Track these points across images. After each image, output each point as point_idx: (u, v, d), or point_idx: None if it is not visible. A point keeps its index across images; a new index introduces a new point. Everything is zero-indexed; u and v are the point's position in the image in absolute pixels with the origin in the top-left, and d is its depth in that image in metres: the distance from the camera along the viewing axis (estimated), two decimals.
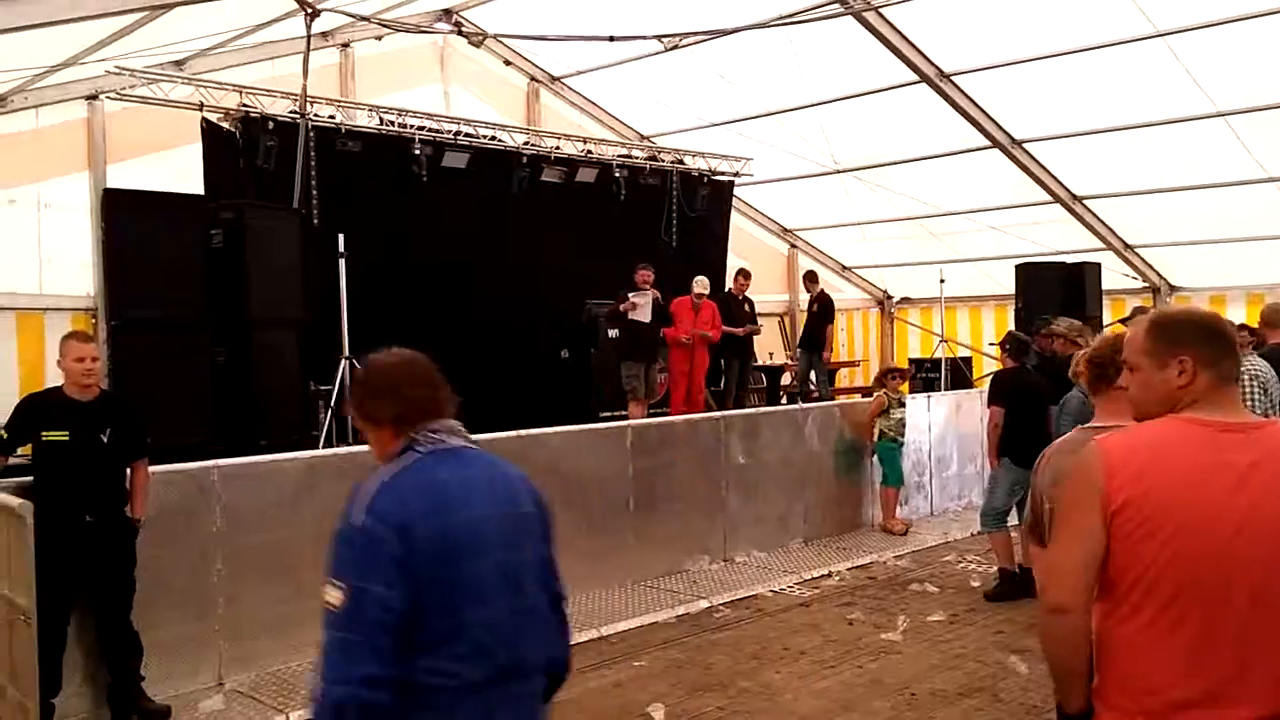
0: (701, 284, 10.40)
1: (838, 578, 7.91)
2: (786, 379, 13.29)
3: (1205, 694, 2.01)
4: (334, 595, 2.07)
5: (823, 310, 12.10)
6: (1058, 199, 11.71)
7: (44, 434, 4.88)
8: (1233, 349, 2.18)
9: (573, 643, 6.33)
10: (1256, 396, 5.16)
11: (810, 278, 12.64)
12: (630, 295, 9.75)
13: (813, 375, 12.17)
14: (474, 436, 7.53)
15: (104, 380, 7.40)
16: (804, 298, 13.12)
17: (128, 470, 5.14)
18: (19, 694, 4.61)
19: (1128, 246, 12.35)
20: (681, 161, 12.57)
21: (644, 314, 9.79)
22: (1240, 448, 2.07)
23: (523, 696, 2.28)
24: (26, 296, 8.91)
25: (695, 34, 9.65)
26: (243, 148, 8.85)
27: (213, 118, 8.82)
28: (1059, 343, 7.77)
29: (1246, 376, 5.17)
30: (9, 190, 8.91)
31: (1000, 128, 10.86)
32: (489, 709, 2.16)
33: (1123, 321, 8.23)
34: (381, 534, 2.09)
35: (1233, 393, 2.16)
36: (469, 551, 2.17)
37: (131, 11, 6.95)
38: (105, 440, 4.97)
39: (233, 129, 8.90)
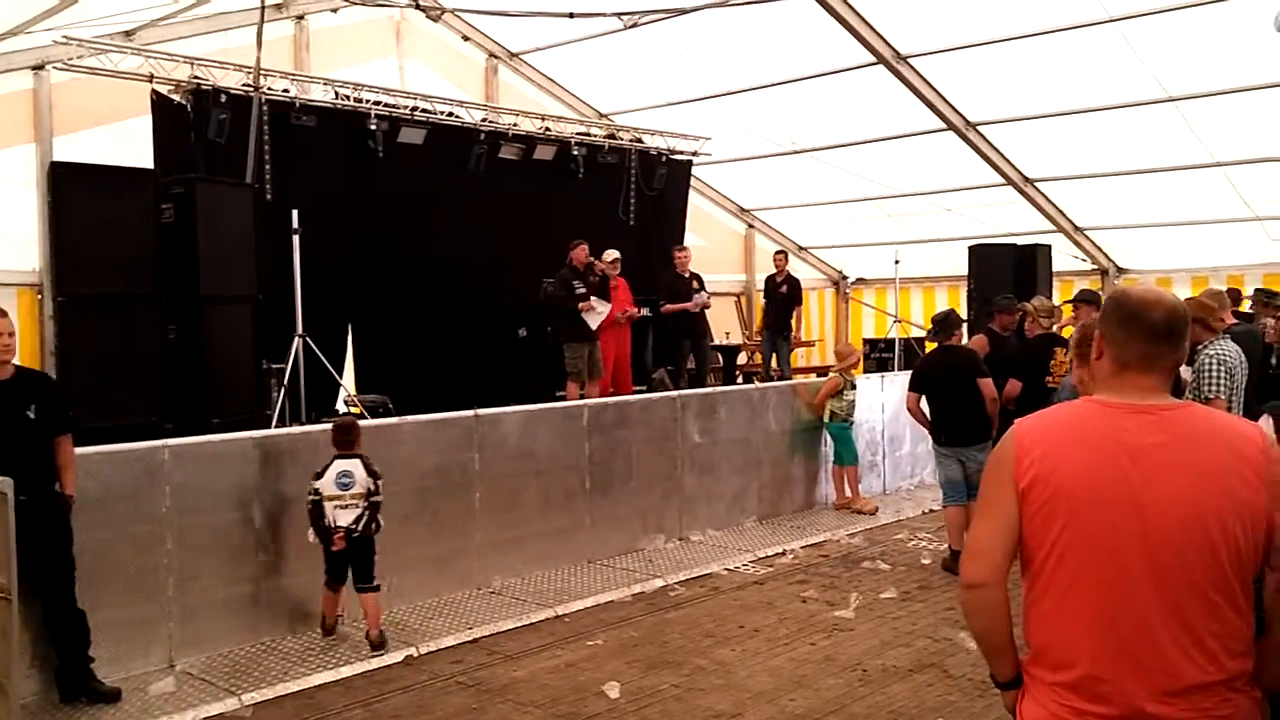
0: (611, 257, 10.15)
1: (792, 556, 8.01)
2: (743, 359, 13.37)
3: (1111, 670, 2.07)
4: None
5: (792, 292, 12.11)
6: (1010, 181, 11.87)
7: None
8: (1151, 332, 2.14)
9: (528, 622, 6.39)
10: (1220, 380, 5.20)
11: (782, 257, 12.52)
12: (593, 299, 9.62)
13: (775, 359, 12.13)
14: (431, 416, 7.53)
15: (51, 357, 7.28)
16: (760, 278, 13.10)
17: (53, 447, 5.02)
18: None
19: (1077, 229, 12.56)
20: (640, 140, 12.54)
21: (594, 321, 9.63)
22: (1146, 429, 2.11)
23: None
24: None
25: (655, 12, 9.62)
26: (194, 121, 8.69)
27: (163, 90, 8.64)
28: (1028, 321, 7.91)
29: (1212, 360, 5.25)
30: None
31: (955, 110, 10.97)
32: None
33: (1068, 302, 8.38)
34: None
35: (1148, 376, 2.16)
36: None
37: None
38: (32, 416, 4.86)
39: (183, 101, 8.73)
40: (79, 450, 5.15)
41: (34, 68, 8.94)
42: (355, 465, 5.83)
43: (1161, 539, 2.06)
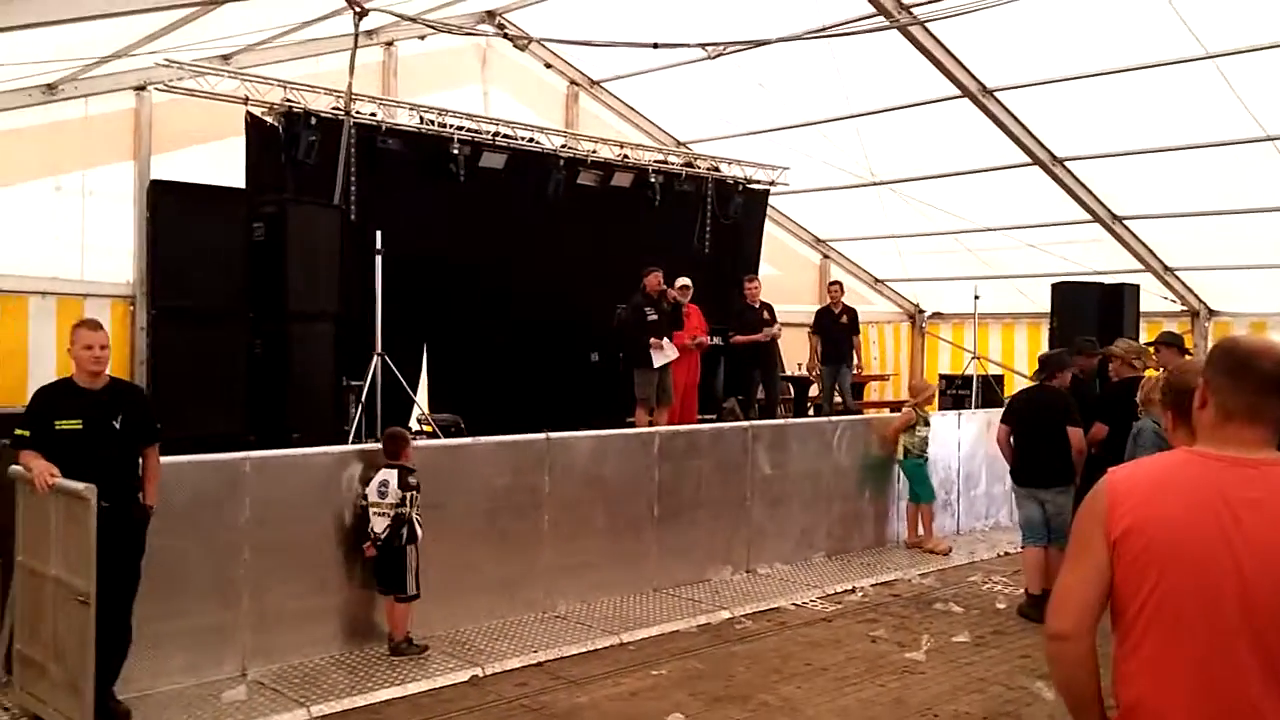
0: (681, 283, 10.09)
1: (861, 594, 7.86)
2: (815, 390, 13.20)
3: None
4: None
5: (852, 321, 11.94)
6: (1097, 218, 11.59)
7: (57, 423, 4.85)
8: (1260, 383, 2.07)
9: (592, 648, 6.39)
10: None
11: (838, 287, 12.29)
12: (665, 342, 9.59)
13: (836, 390, 11.89)
14: (503, 437, 7.55)
15: (141, 368, 7.53)
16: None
17: (139, 457, 5.13)
18: (67, 673, 4.67)
19: (1167, 269, 12.20)
20: (717, 169, 12.55)
21: (659, 360, 9.56)
22: (1246, 484, 2.03)
23: None
24: (68, 282, 9.04)
25: (739, 44, 9.64)
26: (284, 142, 8.94)
27: (256, 111, 8.92)
28: (1115, 363, 7.64)
29: None
30: (55, 177, 9.06)
31: (1042, 145, 10.77)
32: None
33: (1150, 344, 8.12)
34: None
35: (1254, 428, 2.09)
36: None
37: (182, 6, 7.05)
38: (118, 427, 4.97)
39: (275, 123, 8.99)
40: (164, 459, 5.28)
41: (136, 88, 9.34)
42: (393, 475, 5.93)
43: (1261, 600, 1.98)
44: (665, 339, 9.65)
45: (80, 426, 4.89)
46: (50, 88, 8.80)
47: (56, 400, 4.97)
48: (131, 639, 5.06)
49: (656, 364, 9.59)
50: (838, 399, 11.82)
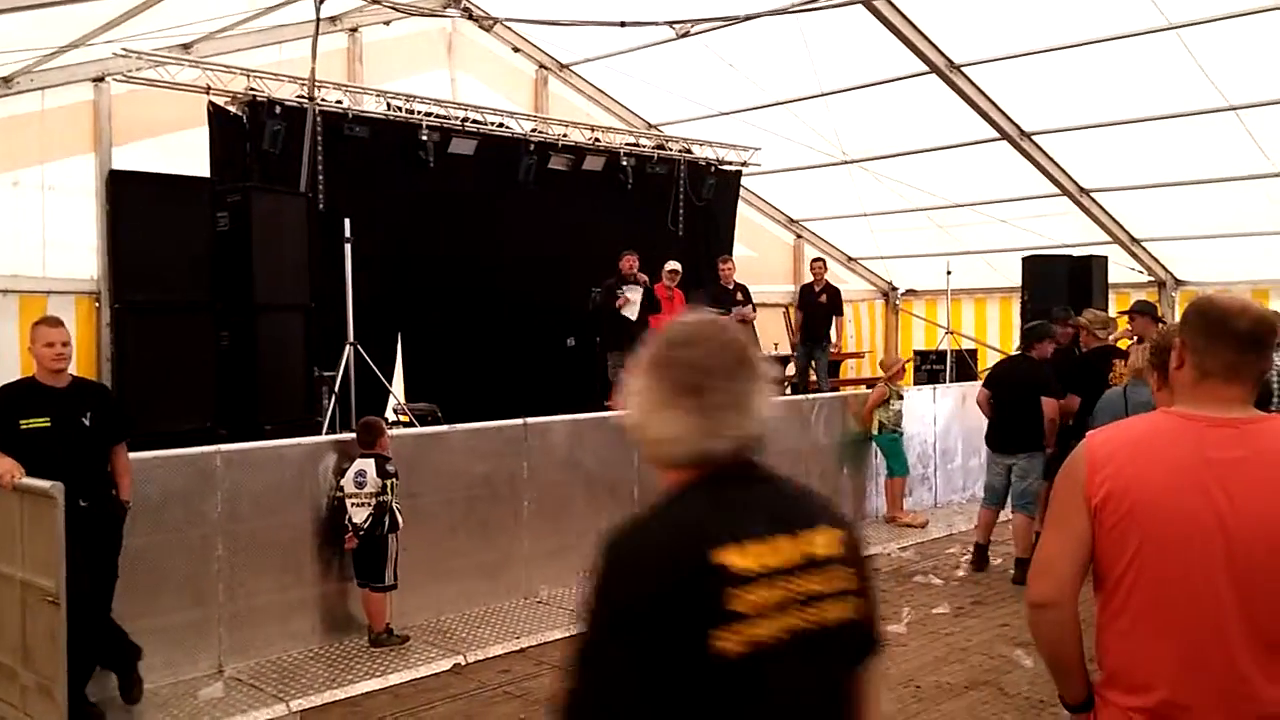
0: (670, 268, 10.18)
1: None
2: (791, 369, 13.22)
3: (1193, 696, 1.98)
4: None
5: (832, 301, 11.94)
6: (1065, 191, 11.65)
7: (22, 422, 4.74)
8: (1234, 340, 2.07)
9: (576, 632, 6.37)
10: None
11: (821, 264, 12.31)
12: (623, 289, 9.68)
13: (813, 369, 11.91)
14: (480, 424, 7.45)
15: (107, 364, 7.40)
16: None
17: (108, 455, 5.05)
18: (36, 675, 4.59)
19: (1134, 240, 12.29)
20: (689, 151, 12.51)
21: (633, 311, 9.69)
22: (1227, 444, 2.02)
23: None
24: (30, 279, 8.85)
25: (707, 20, 9.58)
26: (249, 131, 8.81)
27: (219, 101, 8.78)
28: (1083, 334, 7.72)
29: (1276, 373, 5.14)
30: (13, 172, 8.86)
31: (1009, 119, 10.79)
32: None
33: (1124, 313, 8.19)
34: None
35: (1232, 387, 2.08)
36: None
37: None
38: (88, 424, 4.90)
39: (239, 113, 8.86)
40: (134, 455, 5.20)
41: (94, 80, 9.13)
42: (369, 464, 5.88)
43: (1247, 562, 1.97)
44: (625, 287, 9.76)
45: (49, 424, 4.80)
46: (5, 81, 8.60)
47: (20, 399, 4.86)
48: (113, 639, 4.97)
49: (631, 316, 9.68)
50: (813, 377, 11.84)
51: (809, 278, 12.49)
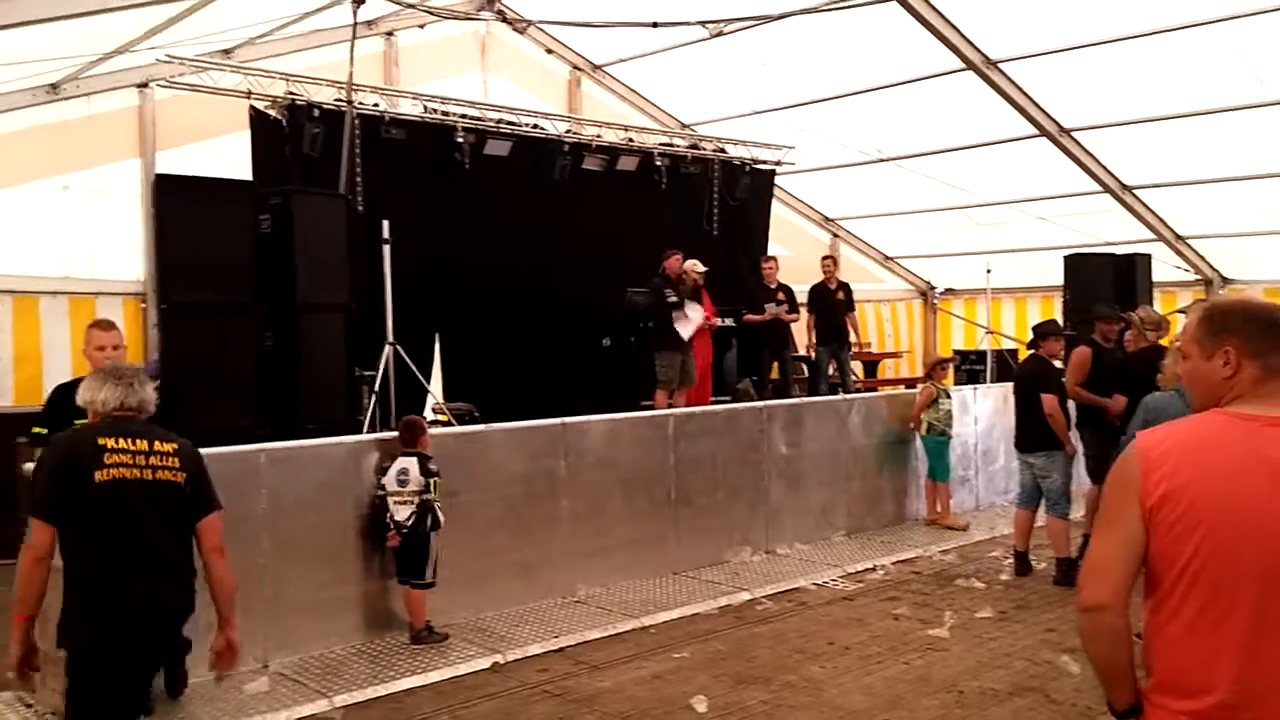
0: (697, 268, 9.96)
1: (882, 572, 7.82)
2: (831, 369, 13.04)
3: (1251, 699, 1.95)
4: None
5: (848, 297, 11.57)
6: (1107, 189, 11.49)
7: (78, 422, 4.87)
8: None
9: (613, 632, 6.35)
10: None
11: (831, 262, 11.91)
12: (687, 309, 9.56)
13: (836, 371, 11.52)
14: (518, 424, 7.46)
15: (153, 364, 7.50)
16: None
17: None
18: None
19: (1179, 237, 12.10)
20: (723, 150, 12.47)
21: (687, 329, 9.54)
22: None
23: None
24: (79, 281, 9.05)
25: (740, 19, 9.56)
26: (289, 135, 8.90)
27: (260, 105, 8.88)
28: (1131, 333, 7.52)
29: None
30: (62, 177, 9.05)
31: (1048, 116, 10.66)
32: None
33: (1177, 313, 8.05)
34: None
35: None
36: None
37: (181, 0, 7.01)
38: None
39: (279, 117, 8.95)
40: None
41: (138, 85, 9.31)
42: (412, 462, 5.91)
43: None
44: (687, 303, 9.63)
45: None
46: (54, 87, 8.78)
47: (75, 397, 4.94)
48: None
49: (684, 334, 9.55)
50: (834, 376, 11.56)
51: (845, 277, 12.34)
